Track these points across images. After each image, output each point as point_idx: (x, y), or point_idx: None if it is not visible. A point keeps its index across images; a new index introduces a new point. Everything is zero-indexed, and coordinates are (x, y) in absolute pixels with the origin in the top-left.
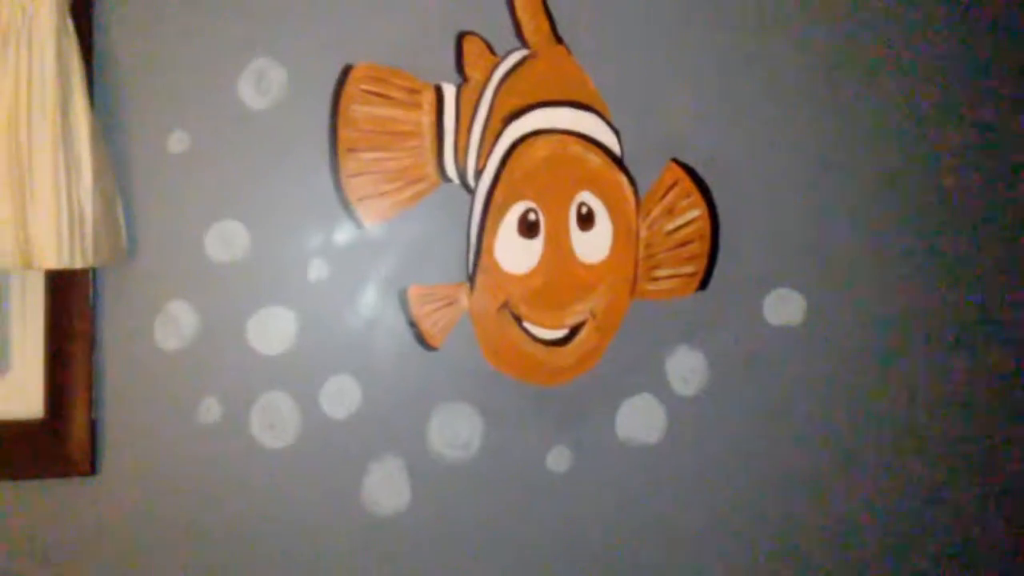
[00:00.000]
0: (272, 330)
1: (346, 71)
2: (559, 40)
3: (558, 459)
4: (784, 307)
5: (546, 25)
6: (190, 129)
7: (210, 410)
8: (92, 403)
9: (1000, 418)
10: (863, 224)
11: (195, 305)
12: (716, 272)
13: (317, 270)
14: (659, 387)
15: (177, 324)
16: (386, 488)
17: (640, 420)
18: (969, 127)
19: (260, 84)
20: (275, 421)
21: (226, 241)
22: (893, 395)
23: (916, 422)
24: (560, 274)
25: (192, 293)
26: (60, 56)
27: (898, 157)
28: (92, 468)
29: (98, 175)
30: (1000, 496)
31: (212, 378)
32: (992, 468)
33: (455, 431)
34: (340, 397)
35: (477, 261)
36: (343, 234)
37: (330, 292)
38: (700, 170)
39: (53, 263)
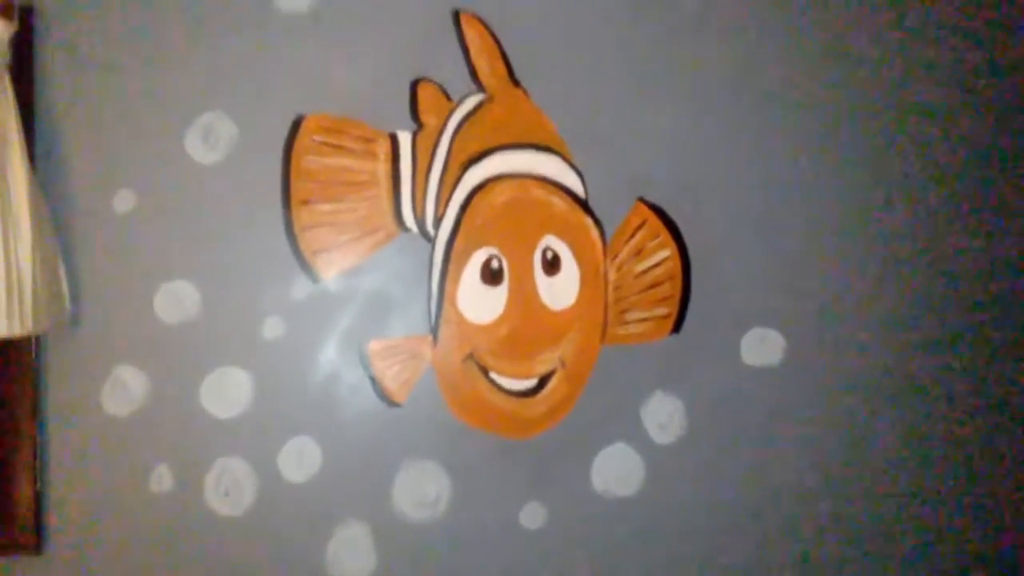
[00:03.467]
0: (226, 392)
1: (298, 122)
2: (516, 83)
3: (532, 515)
4: (763, 347)
5: (502, 68)
6: (136, 187)
7: (162, 478)
8: (37, 476)
9: (992, 455)
10: (841, 257)
11: (145, 369)
12: (690, 313)
13: (272, 328)
14: (635, 436)
15: (126, 389)
16: (350, 554)
17: (616, 471)
18: (949, 162)
19: (209, 138)
20: (231, 487)
21: (176, 301)
22: (880, 436)
23: (905, 464)
24: (526, 322)
25: (141, 356)
26: None
27: (877, 190)
28: (37, 546)
29: (38, 238)
30: (997, 534)
31: (164, 444)
32: (987, 511)
33: (422, 490)
34: (299, 459)
35: (440, 312)
36: (298, 289)
37: (286, 350)
38: (668, 209)
39: None
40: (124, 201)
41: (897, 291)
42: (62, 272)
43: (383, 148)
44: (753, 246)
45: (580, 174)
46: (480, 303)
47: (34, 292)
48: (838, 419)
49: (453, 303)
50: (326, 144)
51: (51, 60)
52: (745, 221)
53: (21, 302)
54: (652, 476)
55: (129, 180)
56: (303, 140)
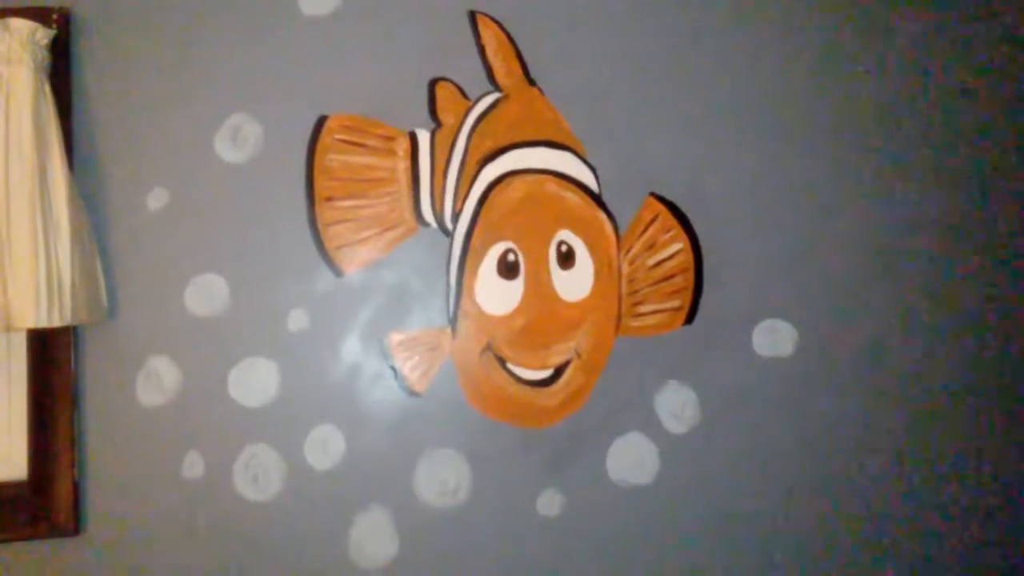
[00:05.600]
0: (254, 382)
1: (321, 122)
2: (531, 82)
3: (549, 503)
4: (774, 338)
5: (518, 68)
6: (169, 186)
7: (193, 465)
8: (75, 462)
9: (999, 446)
10: (851, 248)
11: (177, 360)
12: (702, 305)
13: (297, 320)
14: (650, 425)
15: (159, 379)
16: (373, 539)
17: (632, 460)
18: (954, 152)
19: (237, 139)
20: (259, 474)
21: (206, 295)
22: (891, 425)
23: (915, 454)
24: (542, 314)
25: (173, 348)
26: (38, 119)
27: (885, 182)
28: (76, 528)
29: (76, 235)
30: (1007, 520)
31: (195, 432)
32: (994, 499)
33: (442, 478)
34: (324, 447)
35: (458, 304)
36: (322, 283)
37: (311, 341)
38: (680, 203)
39: (31, 322)
40: (157, 199)
41: (906, 281)
42: (99, 267)
43: (403, 146)
44: (763, 238)
45: (594, 170)
46: (497, 296)
47: (72, 286)
48: (849, 408)
49: (471, 296)
50: (348, 143)
51: (87, 64)
52: (755, 214)
53: (60, 295)
54: (666, 465)
55: (162, 179)
56: (326, 139)
